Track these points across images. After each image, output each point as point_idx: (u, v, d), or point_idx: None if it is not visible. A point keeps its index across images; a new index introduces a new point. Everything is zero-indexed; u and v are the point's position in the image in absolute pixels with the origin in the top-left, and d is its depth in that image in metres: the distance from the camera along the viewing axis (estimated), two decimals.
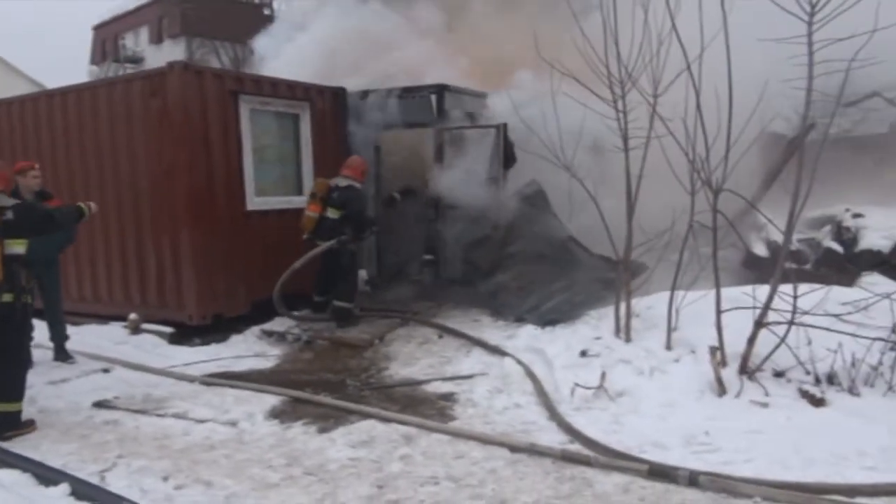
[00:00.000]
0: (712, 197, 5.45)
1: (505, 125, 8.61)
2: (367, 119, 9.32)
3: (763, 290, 5.55)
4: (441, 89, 8.97)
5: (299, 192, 8.68)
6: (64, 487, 3.26)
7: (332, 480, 4.29)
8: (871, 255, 6.76)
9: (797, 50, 5.25)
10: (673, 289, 5.92)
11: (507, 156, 8.68)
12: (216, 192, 7.72)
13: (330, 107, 9.11)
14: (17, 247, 5.10)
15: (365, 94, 9.38)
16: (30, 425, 5.11)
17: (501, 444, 4.65)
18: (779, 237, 7.87)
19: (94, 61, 46.83)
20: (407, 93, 9.23)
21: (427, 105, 9.08)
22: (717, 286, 5.48)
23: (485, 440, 4.72)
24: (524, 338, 7.02)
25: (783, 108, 7.31)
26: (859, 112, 10.04)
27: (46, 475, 3.36)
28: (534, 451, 4.47)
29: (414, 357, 7.03)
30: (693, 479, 3.85)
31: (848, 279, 6.39)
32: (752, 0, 5.46)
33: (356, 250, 8.22)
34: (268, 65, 11.87)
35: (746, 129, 5.59)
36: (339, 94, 9.23)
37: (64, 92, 8.39)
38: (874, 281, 6.26)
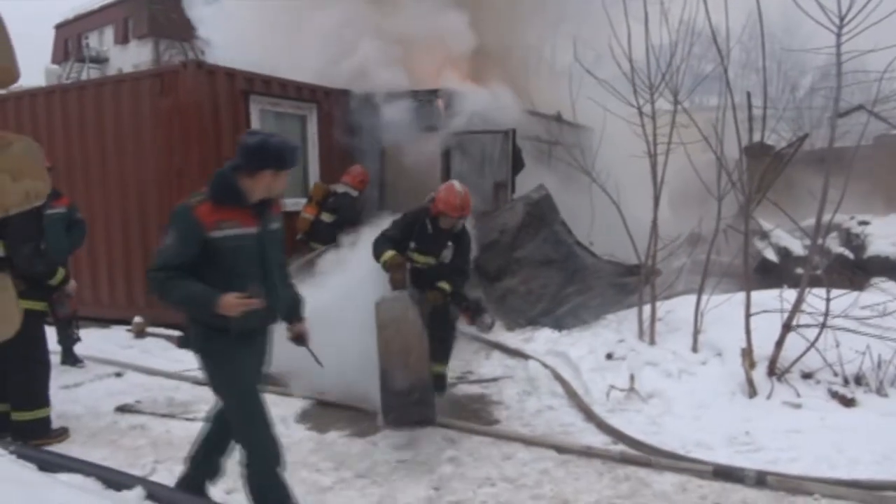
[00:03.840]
0: (743, 201, 5.56)
1: (514, 130, 8.67)
2: (370, 122, 9.26)
3: (789, 294, 5.68)
4: (449, 93, 8.97)
5: (306, 194, 8.58)
6: (138, 491, 3.15)
7: (385, 483, 4.25)
8: (880, 261, 6.99)
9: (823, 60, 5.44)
10: (700, 292, 6.01)
11: (515, 161, 8.73)
12: None
13: (336, 109, 9.03)
14: None
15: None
16: (62, 434, 4.93)
17: (554, 447, 4.65)
18: (788, 243, 8.14)
19: (55, 60, 45.63)
20: (412, 96, 9.20)
21: (434, 109, 9.07)
22: (748, 289, 5.59)
23: (539, 443, 4.73)
24: (542, 341, 7.05)
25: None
26: (845, 125, 10.42)
27: (114, 479, 3.23)
28: (591, 454, 4.49)
29: None
30: (761, 480, 3.90)
31: (858, 284, 6.57)
32: (782, 9, 5.65)
33: None
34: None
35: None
36: (345, 96, 9.16)
37: (65, 89, 8.16)
38: (886, 286, 6.45)
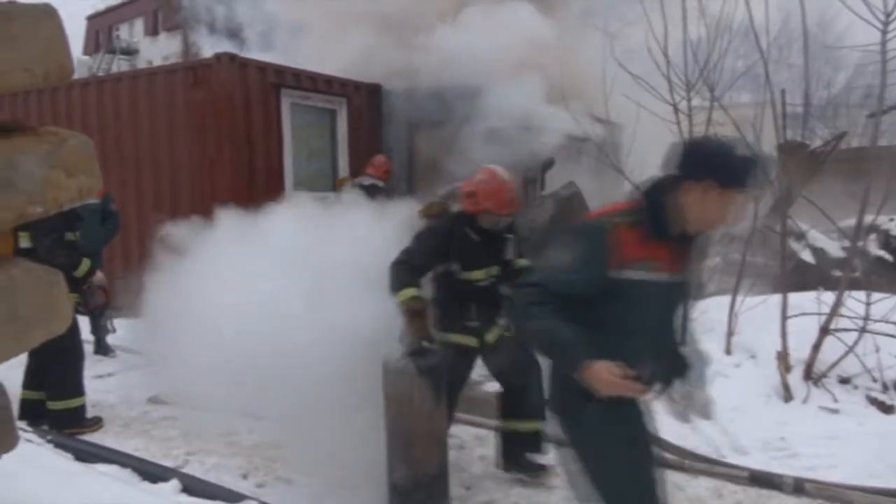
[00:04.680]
0: (779, 200, 5.46)
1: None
2: (402, 117, 9.25)
3: (826, 297, 5.56)
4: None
5: (334, 188, 8.59)
6: (174, 483, 3.18)
7: None
8: None
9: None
10: (734, 293, 5.91)
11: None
12: (256, 187, 7.63)
13: (366, 103, 9.03)
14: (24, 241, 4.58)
15: None
16: (96, 423, 4.99)
17: None
18: (824, 244, 7.98)
19: (86, 52, 46.29)
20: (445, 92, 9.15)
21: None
22: (785, 291, 5.48)
23: None
24: None
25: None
26: (883, 123, 10.21)
27: (151, 470, 3.27)
28: None
29: None
30: (799, 487, 3.83)
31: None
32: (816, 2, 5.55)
33: None
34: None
35: None
36: (374, 91, 9.15)
37: (101, 80, 8.25)
38: None
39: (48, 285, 1.49)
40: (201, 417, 5.26)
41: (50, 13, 1.48)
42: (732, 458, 4.45)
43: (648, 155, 6.87)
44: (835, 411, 5.02)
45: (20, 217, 1.43)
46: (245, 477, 4.23)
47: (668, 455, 4.47)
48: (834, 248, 7.74)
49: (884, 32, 5.17)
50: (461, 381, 4.04)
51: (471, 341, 3.98)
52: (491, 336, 4.03)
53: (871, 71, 6.69)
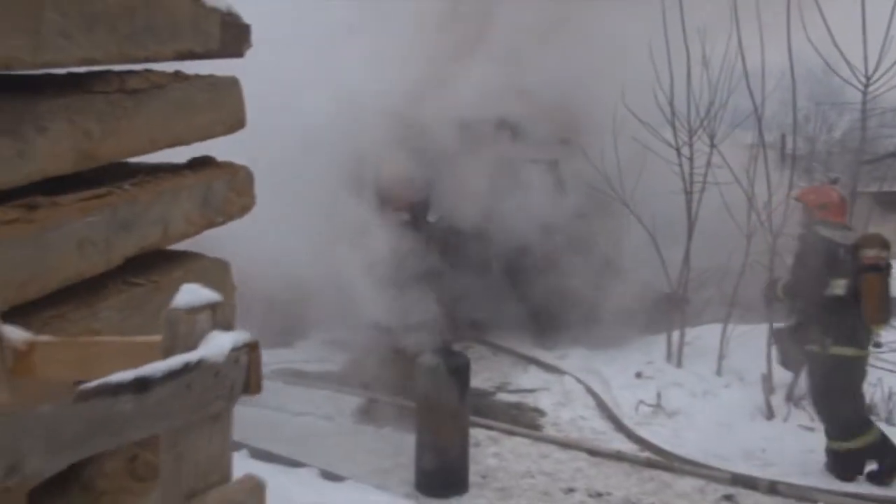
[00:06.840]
0: (771, 239, 6.08)
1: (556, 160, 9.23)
2: None
3: None
4: None
5: None
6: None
7: None
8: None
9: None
10: (726, 321, 6.51)
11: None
12: None
13: None
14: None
15: None
16: None
17: (588, 450, 5.20)
18: None
19: None
20: None
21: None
22: (770, 320, 6.07)
23: (574, 446, 5.29)
24: (575, 358, 7.56)
25: None
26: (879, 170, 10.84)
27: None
28: (621, 457, 5.02)
29: (473, 371, 7.52)
30: (772, 488, 4.41)
31: None
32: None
33: None
34: None
35: None
36: None
37: None
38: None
39: (223, 273, 2.12)
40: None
41: (236, 82, 2.15)
42: (717, 464, 5.02)
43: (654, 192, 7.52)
44: (811, 429, 5.56)
45: (210, 225, 2.07)
46: None
47: (658, 458, 5.06)
48: None
49: (864, 93, 5.85)
50: None
51: None
52: None
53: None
